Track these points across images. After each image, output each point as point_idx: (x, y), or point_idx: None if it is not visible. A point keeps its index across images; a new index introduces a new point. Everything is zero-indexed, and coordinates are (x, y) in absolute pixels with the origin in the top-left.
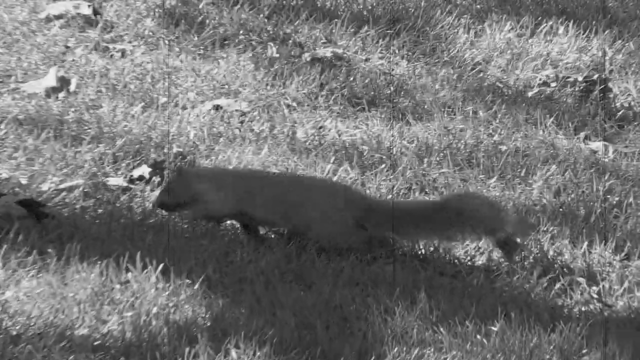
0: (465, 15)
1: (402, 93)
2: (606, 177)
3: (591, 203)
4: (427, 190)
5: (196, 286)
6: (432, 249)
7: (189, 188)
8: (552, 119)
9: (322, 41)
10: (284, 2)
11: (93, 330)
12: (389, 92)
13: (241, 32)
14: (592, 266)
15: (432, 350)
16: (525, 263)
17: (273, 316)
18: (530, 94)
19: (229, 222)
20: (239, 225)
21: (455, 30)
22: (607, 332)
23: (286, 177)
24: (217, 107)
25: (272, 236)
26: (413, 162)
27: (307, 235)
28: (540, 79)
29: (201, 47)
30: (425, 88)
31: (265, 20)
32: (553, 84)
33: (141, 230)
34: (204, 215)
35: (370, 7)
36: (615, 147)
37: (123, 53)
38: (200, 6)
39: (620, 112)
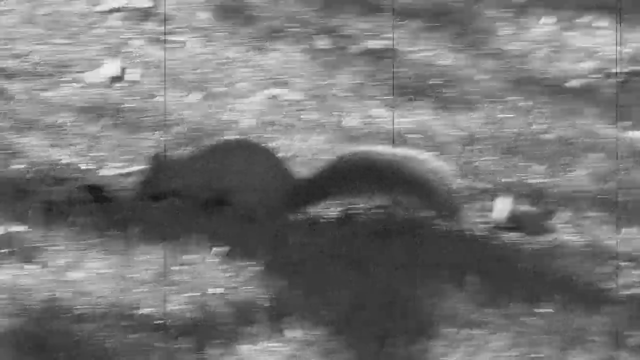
0: (508, 9)
1: (448, 84)
2: None
3: (632, 190)
4: (470, 177)
5: (255, 268)
6: (478, 233)
7: (164, 179)
8: (593, 109)
9: (370, 33)
10: None
11: (155, 310)
12: (435, 82)
13: (293, 24)
14: (634, 251)
15: (480, 331)
16: (570, 246)
17: (327, 298)
18: (571, 85)
19: None
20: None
21: (498, 23)
22: None
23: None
24: (270, 97)
25: (324, 220)
26: (458, 150)
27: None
28: (581, 71)
29: (255, 39)
30: (470, 79)
31: (315, 13)
32: (594, 76)
33: (206, 212)
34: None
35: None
36: None
37: (180, 44)
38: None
39: None
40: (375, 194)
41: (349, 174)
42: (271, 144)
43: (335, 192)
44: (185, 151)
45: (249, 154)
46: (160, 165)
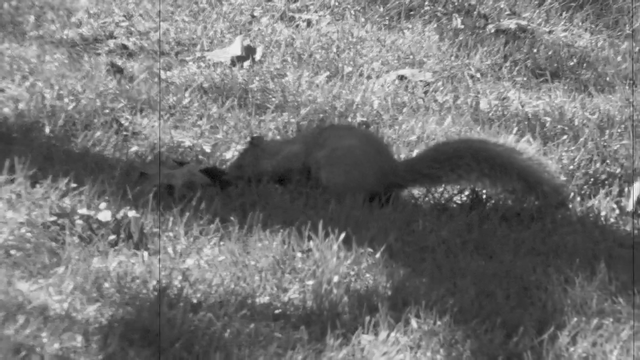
0: None
1: (585, 65)
2: None
3: None
4: (608, 161)
5: (377, 255)
6: (612, 220)
7: (260, 160)
8: None
9: (506, 13)
10: None
11: (274, 299)
12: (571, 64)
13: (426, 2)
14: None
15: (611, 320)
16: None
17: (453, 285)
18: None
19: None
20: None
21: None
22: None
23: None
24: (401, 77)
25: (454, 205)
26: (594, 133)
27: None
28: None
29: (386, 18)
30: (607, 60)
31: None
32: None
33: (323, 199)
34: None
35: None
36: None
37: (309, 23)
38: None
39: None
40: (479, 181)
41: (451, 159)
42: (403, 126)
43: (435, 175)
44: (279, 135)
45: (348, 135)
46: (256, 147)
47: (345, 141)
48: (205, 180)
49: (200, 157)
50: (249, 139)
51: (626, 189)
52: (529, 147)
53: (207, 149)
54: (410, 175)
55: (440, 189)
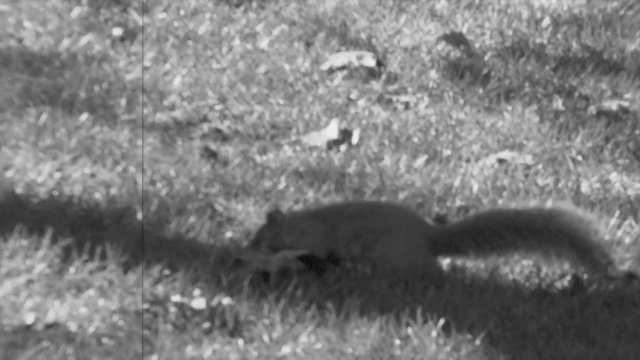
0: None
1: None
2: None
3: None
4: None
5: (477, 342)
6: None
7: (278, 236)
8: None
9: (608, 94)
10: (570, 54)
11: None
12: None
13: (526, 84)
14: None
15: None
16: None
17: None
18: None
19: (502, 273)
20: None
21: None
22: None
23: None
24: (501, 161)
25: (555, 290)
26: None
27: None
28: None
29: (486, 100)
30: None
31: (552, 72)
32: None
33: (422, 285)
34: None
35: None
36: None
37: (407, 105)
38: (486, 58)
39: None
40: (519, 250)
41: (485, 230)
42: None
43: (470, 248)
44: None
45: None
46: (275, 222)
47: (388, 219)
48: (300, 266)
49: None
50: (266, 213)
51: None
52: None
53: None
54: (453, 248)
55: (542, 275)
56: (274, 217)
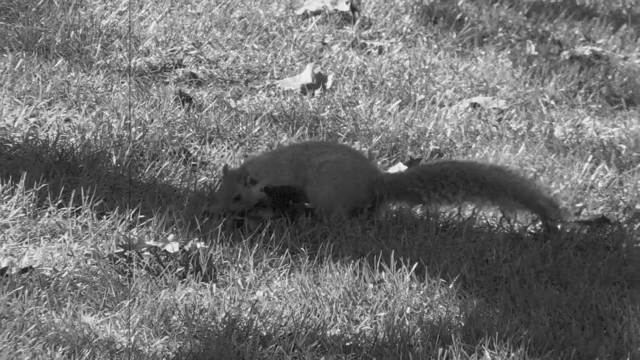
0: None
1: None
2: None
3: None
4: None
5: (451, 285)
6: None
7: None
8: None
9: (580, 39)
10: (543, 0)
11: (345, 330)
12: None
13: (500, 29)
14: None
15: None
16: None
17: (528, 316)
18: None
19: (468, 216)
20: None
21: None
22: None
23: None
24: (474, 105)
25: (528, 235)
26: None
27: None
28: None
29: (459, 45)
30: None
31: (524, 18)
32: None
33: (395, 229)
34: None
35: (629, 6)
36: None
37: (380, 50)
38: (459, 3)
39: None
40: (468, 200)
41: (435, 179)
42: (477, 154)
43: (417, 194)
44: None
45: (332, 149)
46: (226, 174)
47: (331, 155)
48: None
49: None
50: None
51: None
52: (515, 167)
53: None
54: (393, 190)
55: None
56: (226, 171)
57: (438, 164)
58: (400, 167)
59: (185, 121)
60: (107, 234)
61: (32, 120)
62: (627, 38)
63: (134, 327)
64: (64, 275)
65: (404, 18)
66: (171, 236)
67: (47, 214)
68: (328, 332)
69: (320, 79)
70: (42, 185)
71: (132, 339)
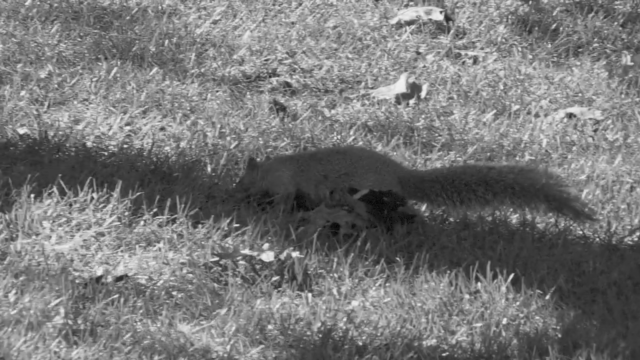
0: None
1: None
2: None
3: None
4: None
5: (547, 296)
6: None
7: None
8: None
9: None
10: (639, 10)
11: (441, 341)
12: None
13: (595, 39)
14: None
15: None
16: None
17: (625, 328)
18: None
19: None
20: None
21: None
22: None
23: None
24: (570, 115)
25: (625, 246)
26: None
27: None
28: None
29: (554, 55)
30: None
31: (620, 28)
32: None
33: (491, 239)
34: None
35: None
36: None
37: (475, 60)
38: (554, 13)
39: None
40: (490, 205)
41: (456, 182)
42: (572, 165)
43: (439, 196)
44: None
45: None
46: (253, 168)
47: (362, 152)
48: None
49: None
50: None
51: None
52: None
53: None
54: (419, 190)
55: (612, 229)
56: (252, 164)
57: (461, 170)
58: None
59: (280, 130)
60: (203, 242)
61: (126, 128)
62: None
63: (229, 336)
64: (159, 284)
65: (498, 28)
66: (266, 245)
67: (142, 222)
68: (424, 343)
69: (414, 89)
70: (138, 193)
71: (228, 348)
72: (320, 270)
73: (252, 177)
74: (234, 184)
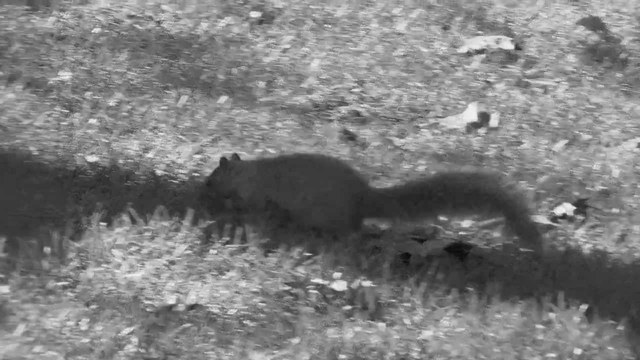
0: None
1: None
2: None
3: None
4: None
5: (620, 327)
6: None
7: (228, 180)
8: None
9: None
10: None
11: None
12: None
13: None
14: None
15: None
16: None
17: None
18: None
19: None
20: None
21: None
22: None
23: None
24: None
25: None
26: None
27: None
28: None
29: (624, 84)
30: None
31: None
32: None
33: (563, 269)
34: (242, 204)
35: None
36: None
37: (545, 89)
38: (624, 43)
39: None
40: (457, 214)
41: (427, 192)
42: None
43: (410, 209)
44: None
45: (319, 167)
46: (226, 167)
47: (316, 181)
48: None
49: (437, 225)
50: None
51: None
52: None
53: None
54: (384, 208)
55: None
56: (225, 163)
57: (423, 176)
58: (566, 208)
59: (350, 159)
60: (274, 271)
61: (196, 157)
62: None
63: None
64: (231, 313)
65: (567, 57)
66: (338, 274)
67: (213, 251)
68: None
69: (484, 118)
70: (209, 222)
71: None
72: (391, 300)
73: (223, 177)
74: (204, 182)
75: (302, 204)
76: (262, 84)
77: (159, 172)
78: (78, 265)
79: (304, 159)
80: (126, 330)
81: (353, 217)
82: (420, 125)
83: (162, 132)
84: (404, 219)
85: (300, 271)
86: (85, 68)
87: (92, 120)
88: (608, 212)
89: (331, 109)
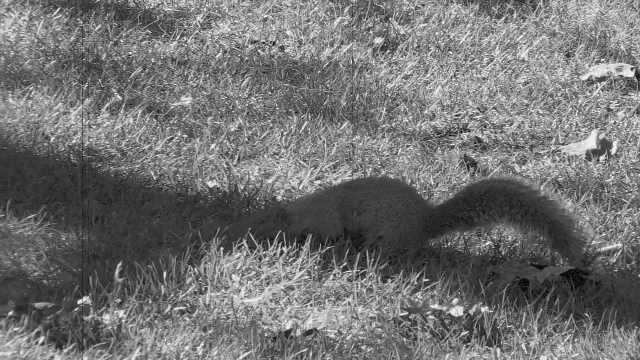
0: None
1: None
2: None
3: None
4: None
5: None
6: None
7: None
8: None
9: None
10: None
11: None
12: None
13: None
14: None
15: None
16: None
17: None
18: None
19: None
20: None
21: None
22: None
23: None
24: None
25: None
26: None
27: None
28: None
29: None
30: None
31: None
32: None
33: None
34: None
35: None
36: None
37: None
38: None
39: None
40: (510, 225)
41: (482, 200)
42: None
43: (468, 217)
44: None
45: (383, 191)
46: (284, 218)
47: (384, 200)
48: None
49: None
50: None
51: None
52: (562, 199)
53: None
54: (447, 220)
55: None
56: (280, 214)
57: (482, 183)
58: None
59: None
60: (392, 297)
61: (317, 182)
62: None
63: None
64: (348, 338)
65: None
66: (456, 300)
67: (332, 276)
68: None
69: (605, 145)
70: (327, 247)
71: None
72: (509, 326)
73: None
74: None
75: (373, 219)
76: (384, 111)
77: (279, 197)
78: (196, 290)
79: (374, 182)
80: (243, 356)
81: (421, 234)
82: (542, 152)
83: (283, 157)
84: (472, 226)
85: (419, 297)
86: (207, 93)
87: (213, 146)
88: None
89: (453, 136)
